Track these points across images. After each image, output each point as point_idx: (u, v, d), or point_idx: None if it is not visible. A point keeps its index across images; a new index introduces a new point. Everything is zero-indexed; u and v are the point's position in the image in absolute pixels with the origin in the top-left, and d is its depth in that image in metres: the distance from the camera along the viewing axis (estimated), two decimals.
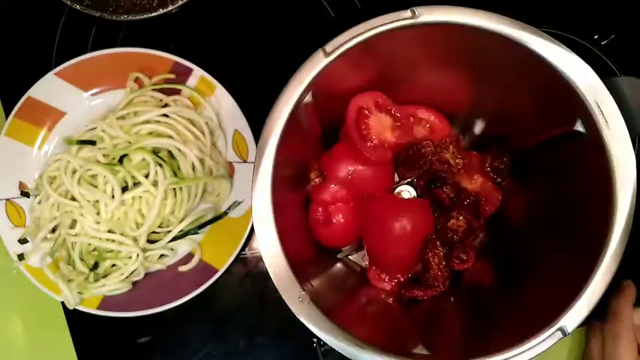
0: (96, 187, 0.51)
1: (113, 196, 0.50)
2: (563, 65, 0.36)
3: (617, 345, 0.45)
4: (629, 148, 0.36)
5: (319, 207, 0.48)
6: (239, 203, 0.54)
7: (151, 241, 0.52)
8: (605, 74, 0.39)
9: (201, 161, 0.53)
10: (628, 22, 0.58)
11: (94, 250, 0.52)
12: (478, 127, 0.50)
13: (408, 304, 0.47)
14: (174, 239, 0.52)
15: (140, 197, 0.51)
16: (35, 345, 0.56)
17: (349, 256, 0.52)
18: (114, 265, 0.52)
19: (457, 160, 0.47)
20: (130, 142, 0.52)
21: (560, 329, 0.35)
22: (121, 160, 0.51)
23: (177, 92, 0.55)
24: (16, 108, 0.54)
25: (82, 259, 0.52)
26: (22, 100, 0.54)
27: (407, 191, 0.50)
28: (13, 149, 0.54)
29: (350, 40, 0.38)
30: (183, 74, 0.54)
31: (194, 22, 0.58)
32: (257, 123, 0.52)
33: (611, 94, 0.36)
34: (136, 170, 0.50)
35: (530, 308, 0.40)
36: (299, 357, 0.54)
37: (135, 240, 0.51)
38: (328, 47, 0.38)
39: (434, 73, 0.45)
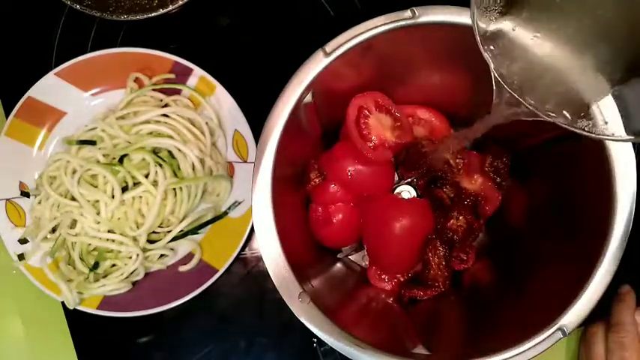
0: (96, 187, 0.51)
1: (113, 196, 0.50)
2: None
3: (624, 356, 0.45)
4: (629, 148, 0.36)
5: (319, 207, 0.48)
6: (239, 203, 0.54)
7: (151, 241, 0.53)
8: None
9: (201, 161, 0.53)
10: None
11: (94, 250, 0.52)
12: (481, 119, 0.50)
13: (408, 304, 0.47)
14: (174, 239, 0.52)
15: (140, 197, 0.51)
16: (35, 345, 0.56)
17: (349, 256, 0.52)
18: (114, 265, 0.52)
19: (457, 160, 0.47)
20: (130, 142, 0.52)
21: (560, 329, 0.35)
22: (121, 160, 0.51)
23: (178, 92, 0.55)
24: (16, 108, 0.54)
25: (82, 259, 0.52)
26: (22, 100, 0.54)
27: (407, 191, 0.50)
28: (13, 149, 0.54)
29: (350, 40, 0.38)
30: (183, 74, 0.54)
31: (194, 22, 0.58)
32: (257, 123, 0.52)
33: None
34: (136, 170, 0.50)
35: (530, 308, 0.40)
36: (299, 357, 0.54)
37: (135, 240, 0.51)
38: (328, 47, 0.38)
39: (434, 73, 0.45)
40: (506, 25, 0.31)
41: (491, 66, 0.29)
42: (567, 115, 0.30)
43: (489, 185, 0.48)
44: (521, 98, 0.28)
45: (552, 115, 0.28)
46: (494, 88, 0.31)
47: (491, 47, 0.30)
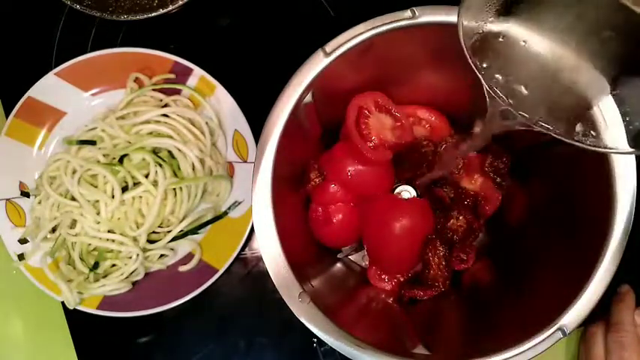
0: (96, 187, 0.51)
1: (113, 196, 0.50)
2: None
3: (624, 355, 0.45)
4: None
5: (319, 207, 0.48)
6: (239, 203, 0.54)
7: (151, 241, 0.53)
8: None
9: (201, 161, 0.53)
10: None
11: (94, 250, 0.52)
12: (478, 127, 0.50)
13: (408, 304, 0.47)
14: (174, 239, 0.52)
15: (140, 197, 0.51)
16: (35, 345, 0.56)
17: (349, 256, 0.52)
18: (114, 265, 0.52)
19: (457, 160, 0.47)
20: (130, 142, 0.52)
21: (560, 329, 0.35)
22: (121, 160, 0.51)
23: (178, 92, 0.55)
24: (16, 108, 0.54)
25: (82, 259, 0.52)
26: (22, 100, 0.54)
27: (407, 191, 0.50)
28: (13, 149, 0.54)
29: (350, 40, 0.38)
30: (183, 74, 0.54)
31: (194, 22, 0.58)
32: (257, 123, 0.52)
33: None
34: (136, 170, 0.50)
35: (530, 308, 0.40)
36: (299, 357, 0.54)
37: (135, 240, 0.51)
38: (328, 47, 0.38)
39: (434, 73, 0.45)
40: (499, 27, 0.31)
41: (482, 79, 0.29)
42: (563, 123, 0.30)
43: (489, 185, 0.48)
44: (514, 109, 0.28)
45: (546, 125, 0.28)
46: (487, 99, 0.31)
47: (483, 56, 0.30)
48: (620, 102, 0.30)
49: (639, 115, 0.30)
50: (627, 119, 0.30)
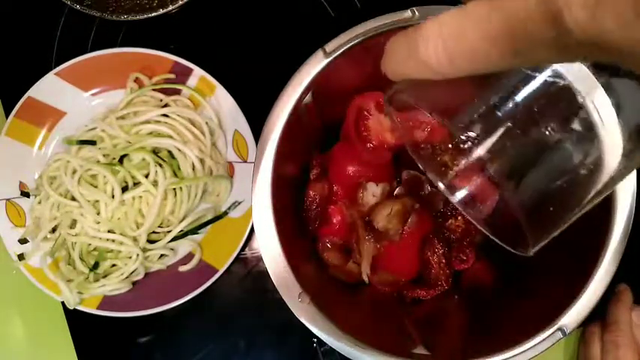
0: (96, 187, 0.51)
1: (113, 196, 0.50)
2: (560, 65, 0.36)
3: (618, 355, 0.45)
4: None
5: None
6: (239, 203, 0.54)
7: (151, 241, 0.52)
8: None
9: (201, 161, 0.53)
10: None
11: (94, 250, 0.52)
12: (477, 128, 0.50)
13: (409, 304, 0.47)
14: (174, 239, 0.52)
15: (140, 197, 0.51)
16: (35, 345, 0.56)
17: None
18: (114, 265, 0.52)
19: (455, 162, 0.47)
20: (130, 142, 0.52)
21: (560, 329, 0.35)
22: (121, 160, 0.51)
23: (178, 92, 0.55)
24: (16, 108, 0.54)
25: (82, 259, 0.52)
26: (22, 100, 0.54)
27: None
28: (13, 149, 0.54)
29: (350, 40, 0.38)
30: (183, 74, 0.54)
31: (194, 22, 0.58)
32: (257, 123, 0.52)
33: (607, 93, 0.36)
34: (136, 170, 0.50)
35: (530, 308, 0.40)
36: (299, 357, 0.54)
37: (135, 240, 0.51)
38: (328, 47, 0.38)
39: None
40: None
41: None
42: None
43: (489, 185, 0.48)
44: None
45: None
46: None
47: None
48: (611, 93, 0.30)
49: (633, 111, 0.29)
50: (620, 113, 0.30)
